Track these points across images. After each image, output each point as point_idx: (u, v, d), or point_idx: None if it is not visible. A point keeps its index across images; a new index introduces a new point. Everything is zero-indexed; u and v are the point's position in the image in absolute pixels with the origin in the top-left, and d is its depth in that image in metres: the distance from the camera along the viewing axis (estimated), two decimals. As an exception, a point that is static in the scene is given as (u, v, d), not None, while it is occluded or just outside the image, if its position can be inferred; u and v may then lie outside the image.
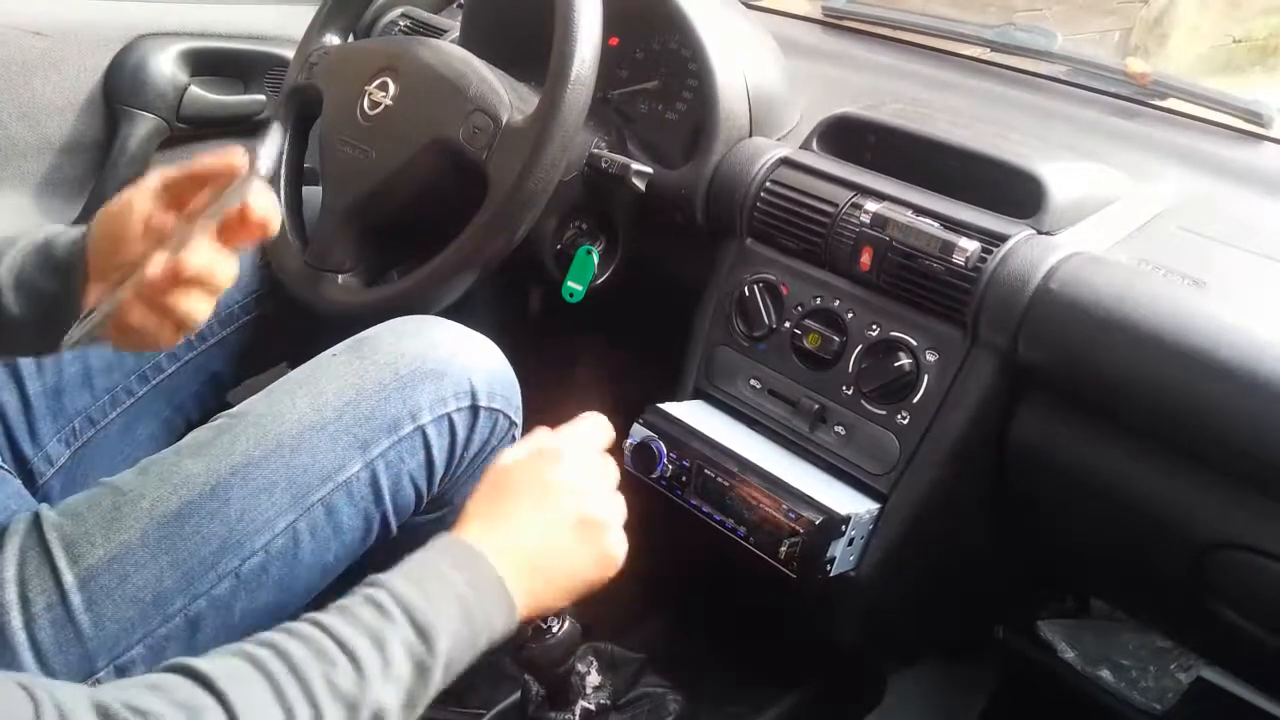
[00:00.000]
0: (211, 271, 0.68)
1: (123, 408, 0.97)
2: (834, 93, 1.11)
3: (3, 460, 0.88)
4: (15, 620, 0.69)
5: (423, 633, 0.59)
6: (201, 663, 0.55)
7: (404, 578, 0.62)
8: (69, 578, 0.70)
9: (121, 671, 0.71)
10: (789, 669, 1.23)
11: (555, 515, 0.68)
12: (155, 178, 0.73)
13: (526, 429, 0.88)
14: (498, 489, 0.70)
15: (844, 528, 0.85)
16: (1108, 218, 0.87)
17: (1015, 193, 0.86)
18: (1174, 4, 4.22)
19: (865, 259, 0.88)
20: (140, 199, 0.72)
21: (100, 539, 0.71)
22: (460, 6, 1.45)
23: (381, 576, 0.62)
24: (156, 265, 0.66)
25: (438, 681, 0.60)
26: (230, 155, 0.70)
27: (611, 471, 0.73)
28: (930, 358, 0.86)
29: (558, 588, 0.68)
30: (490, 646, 0.63)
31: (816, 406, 0.91)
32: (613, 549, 0.70)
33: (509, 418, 0.85)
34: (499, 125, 0.91)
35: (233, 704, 0.53)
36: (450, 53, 0.98)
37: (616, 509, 0.71)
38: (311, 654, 0.56)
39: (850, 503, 0.88)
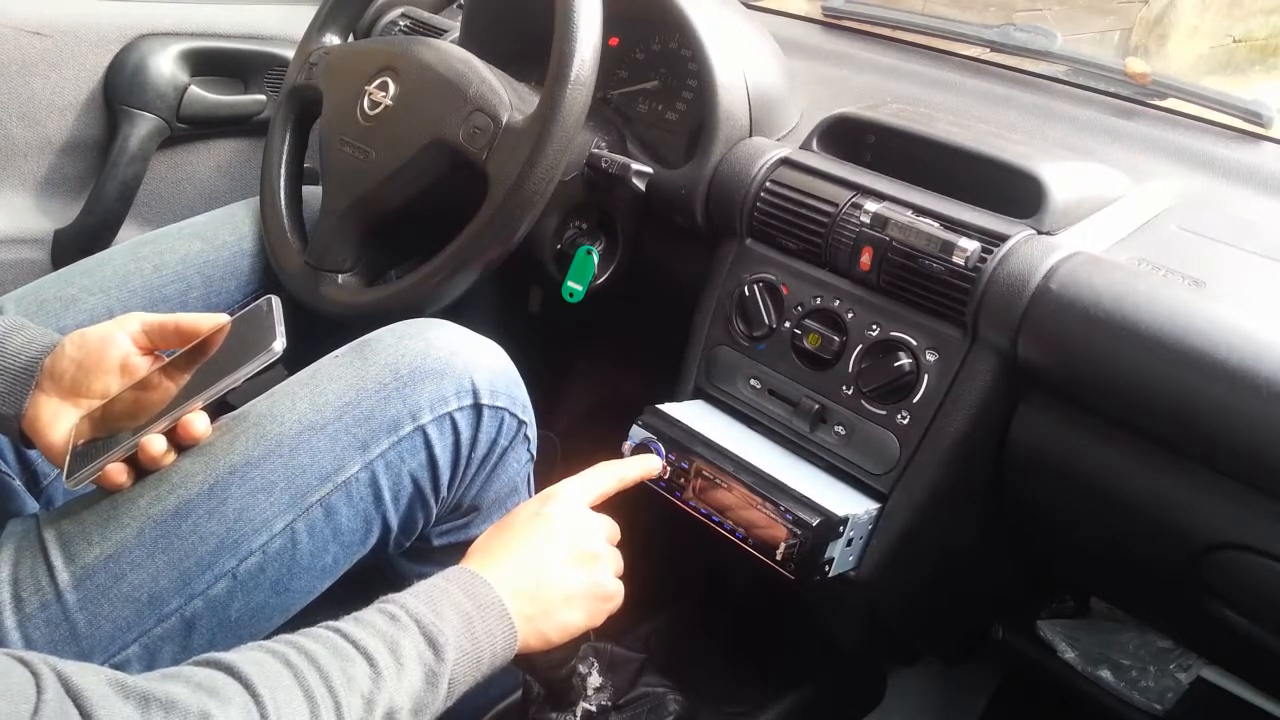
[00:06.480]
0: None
1: None
2: (834, 93, 1.11)
3: (6, 463, 0.88)
4: (9, 620, 0.69)
5: (432, 642, 0.62)
6: (221, 654, 0.57)
7: (412, 595, 0.65)
8: (64, 576, 0.70)
9: (117, 670, 0.71)
10: (789, 669, 1.23)
11: (552, 547, 0.72)
12: (136, 320, 0.78)
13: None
14: (499, 527, 0.75)
15: (842, 529, 0.85)
16: (1108, 218, 0.87)
17: (1015, 193, 0.86)
18: (1174, 4, 4.22)
19: (865, 259, 0.88)
20: (122, 338, 0.77)
21: (97, 537, 0.71)
22: (460, 6, 1.46)
23: (392, 595, 0.65)
24: (160, 445, 0.72)
25: (444, 694, 0.62)
26: (214, 319, 0.77)
27: (608, 522, 0.77)
28: (930, 358, 0.86)
29: (556, 619, 0.71)
30: (492, 668, 0.66)
31: (816, 406, 0.91)
32: (607, 583, 0.74)
33: (515, 416, 0.85)
34: (499, 125, 0.91)
35: (255, 686, 0.55)
36: (450, 53, 0.98)
37: (611, 552, 0.76)
38: (329, 651, 0.59)
39: (849, 503, 0.87)
